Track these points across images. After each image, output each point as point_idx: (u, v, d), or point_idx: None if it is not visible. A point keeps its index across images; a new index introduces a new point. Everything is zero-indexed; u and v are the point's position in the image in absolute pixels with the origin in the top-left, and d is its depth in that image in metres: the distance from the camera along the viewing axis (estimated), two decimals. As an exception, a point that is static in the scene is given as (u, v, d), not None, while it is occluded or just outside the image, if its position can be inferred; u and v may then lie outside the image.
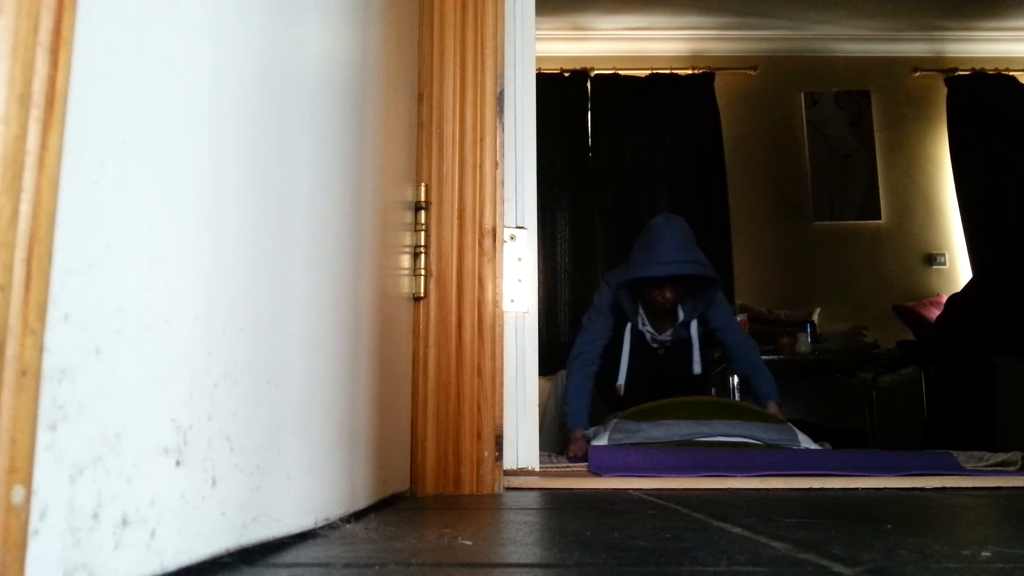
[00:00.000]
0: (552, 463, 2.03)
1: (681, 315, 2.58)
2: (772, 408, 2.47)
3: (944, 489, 1.27)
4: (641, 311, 2.61)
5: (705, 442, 2.00)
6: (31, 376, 0.33)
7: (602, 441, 2.07)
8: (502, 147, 1.32)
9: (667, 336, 2.67)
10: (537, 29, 1.67)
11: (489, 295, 1.26)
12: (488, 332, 1.25)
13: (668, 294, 2.49)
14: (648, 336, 2.65)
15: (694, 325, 2.60)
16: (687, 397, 2.30)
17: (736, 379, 3.43)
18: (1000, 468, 1.71)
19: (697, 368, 2.61)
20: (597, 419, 2.49)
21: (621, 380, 2.60)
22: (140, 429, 0.41)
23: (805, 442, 2.08)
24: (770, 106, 4.86)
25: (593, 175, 4.73)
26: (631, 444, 2.00)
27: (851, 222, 4.73)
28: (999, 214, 4.55)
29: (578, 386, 2.54)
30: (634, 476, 1.44)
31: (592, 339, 2.60)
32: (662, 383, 2.58)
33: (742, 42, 4.87)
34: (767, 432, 2.07)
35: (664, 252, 2.43)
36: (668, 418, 2.10)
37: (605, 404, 2.70)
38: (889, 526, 0.74)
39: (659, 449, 1.90)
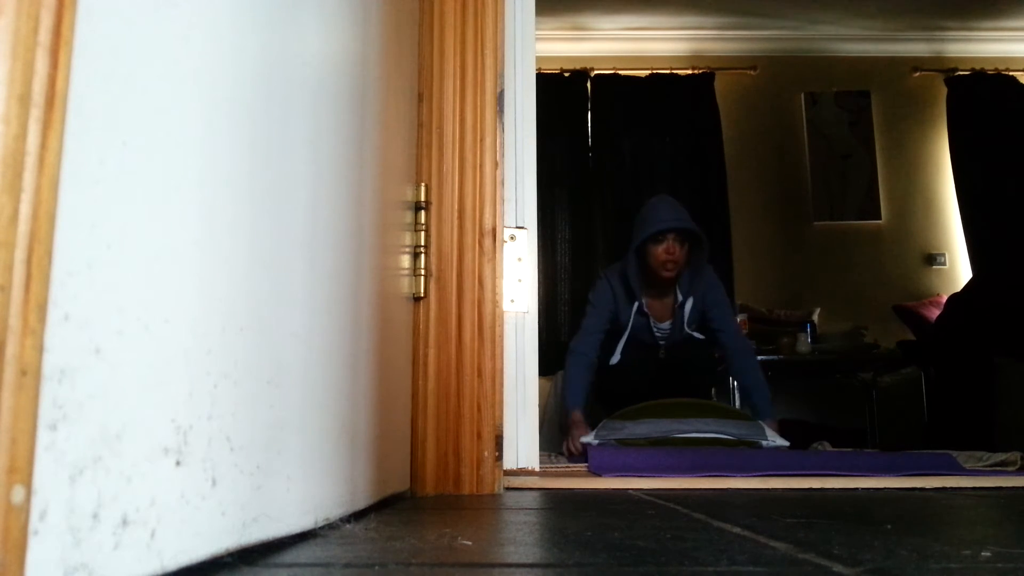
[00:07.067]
0: (552, 463, 2.04)
1: (679, 296, 2.77)
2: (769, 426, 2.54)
3: (944, 489, 1.27)
4: (644, 299, 2.76)
5: (682, 438, 2.20)
6: (31, 376, 0.33)
7: (590, 439, 2.27)
8: (502, 147, 1.32)
9: (667, 326, 2.80)
10: (537, 29, 1.66)
11: (489, 295, 1.26)
12: (488, 332, 1.25)
13: (672, 247, 2.65)
14: (650, 324, 2.78)
15: (690, 303, 2.77)
16: (667, 400, 2.48)
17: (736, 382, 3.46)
18: (1000, 468, 1.71)
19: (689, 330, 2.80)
20: (595, 425, 2.51)
21: (616, 359, 2.75)
22: (140, 429, 0.41)
23: (772, 437, 2.26)
24: (770, 106, 4.86)
25: (593, 175, 4.73)
26: (617, 440, 2.21)
27: (851, 222, 4.72)
28: (999, 214, 4.54)
29: (575, 373, 2.68)
30: (634, 476, 1.44)
31: (588, 333, 2.75)
32: (664, 388, 2.63)
33: (742, 42, 4.87)
34: (737, 428, 2.29)
35: (661, 213, 2.70)
36: (649, 417, 2.32)
37: (605, 412, 2.73)
38: (889, 526, 0.74)
39: (659, 449, 2.00)
